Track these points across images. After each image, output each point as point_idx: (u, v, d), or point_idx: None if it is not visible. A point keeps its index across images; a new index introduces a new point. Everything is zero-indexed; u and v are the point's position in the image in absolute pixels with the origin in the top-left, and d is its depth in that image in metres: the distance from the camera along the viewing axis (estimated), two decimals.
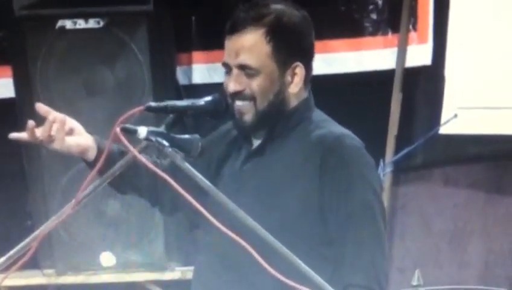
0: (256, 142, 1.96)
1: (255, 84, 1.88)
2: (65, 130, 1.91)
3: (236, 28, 1.89)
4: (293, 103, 1.94)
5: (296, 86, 1.92)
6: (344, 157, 1.87)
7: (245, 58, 1.88)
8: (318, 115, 1.98)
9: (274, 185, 1.90)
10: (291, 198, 1.88)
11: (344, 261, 1.85)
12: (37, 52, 3.20)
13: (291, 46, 1.91)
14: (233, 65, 1.90)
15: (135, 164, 1.93)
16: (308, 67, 1.94)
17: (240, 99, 1.89)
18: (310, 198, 1.87)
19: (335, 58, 3.45)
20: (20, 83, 3.28)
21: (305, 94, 1.96)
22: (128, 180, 1.99)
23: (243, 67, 1.89)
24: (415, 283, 2.45)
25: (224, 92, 1.91)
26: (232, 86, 1.89)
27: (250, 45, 1.88)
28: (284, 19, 1.90)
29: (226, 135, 2.03)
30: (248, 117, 1.90)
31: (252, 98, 1.89)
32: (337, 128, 1.94)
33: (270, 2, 1.93)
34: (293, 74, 1.91)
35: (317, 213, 1.87)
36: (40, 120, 3.20)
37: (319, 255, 1.84)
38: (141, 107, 1.75)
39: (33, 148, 3.29)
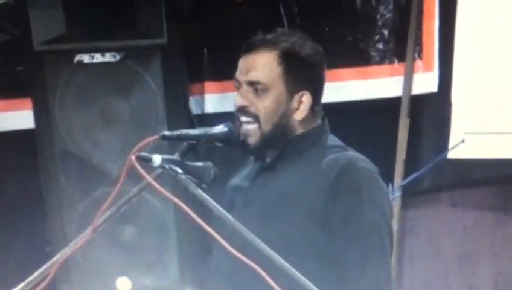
0: (268, 159, 1.99)
1: (262, 104, 1.92)
2: None
3: (251, 48, 1.94)
4: (299, 130, 1.97)
5: (301, 114, 1.95)
6: (356, 179, 1.89)
7: (255, 75, 1.92)
8: (333, 140, 2.00)
9: (282, 201, 1.91)
10: (297, 214, 1.89)
11: (348, 281, 1.86)
12: (55, 84, 3.23)
13: (301, 73, 1.95)
14: (243, 81, 1.94)
15: None
16: (315, 98, 1.97)
17: (244, 114, 1.92)
18: (316, 216, 1.87)
19: (342, 87, 3.48)
20: (39, 114, 3.31)
21: (314, 122, 1.98)
22: None
23: (252, 84, 1.93)
24: None
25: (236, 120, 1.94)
26: (239, 101, 1.93)
27: (262, 63, 1.93)
28: (297, 47, 1.95)
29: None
30: (252, 140, 1.92)
31: (256, 119, 1.92)
32: (352, 153, 1.96)
33: (289, 32, 1.99)
34: (300, 102, 1.95)
35: (323, 230, 1.87)
36: (58, 151, 3.25)
37: (325, 271, 1.85)
38: (156, 136, 1.77)
39: (51, 176, 3.34)
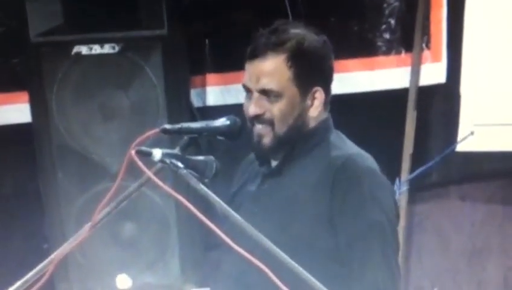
0: (274, 163, 1.99)
1: (276, 109, 1.92)
2: None
3: (257, 54, 1.93)
4: (312, 124, 1.97)
5: (315, 110, 1.96)
6: (355, 176, 1.88)
7: (267, 83, 1.92)
8: (336, 136, 2.00)
9: (289, 204, 1.92)
10: (304, 217, 1.89)
11: (352, 281, 1.86)
12: (53, 77, 3.23)
13: (312, 71, 1.94)
14: (255, 89, 1.94)
15: None
16: (327, 90, 1.97)
17: (259, 122, 1.93)
18: (322, 217, 1.88)
19: (349, 78, 3.47)
20: (36, 107, 3.31)
21: (324, 115, 1.98)
22: None
23: (264, 92, 1.93)
24: None
25: (243, 114, 1.93)
26: (252, 110, 1.93)
27: (272, 70, 1.92)
28: (305, 44, 1.93)
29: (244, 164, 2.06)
30: (267, 140, 1.93)
31: (271, 123, 1.93)
32: (353, 149, 1.96)
33: (290, 26, 1.96)
34: (313, 98, 1.95)
35: (329, 232, 1.87)
36: (56, 145, 3.25)
37: (334, 274, 1.84)
38: (156, 130, 1.76)
39: (49, 171, 3.32)
